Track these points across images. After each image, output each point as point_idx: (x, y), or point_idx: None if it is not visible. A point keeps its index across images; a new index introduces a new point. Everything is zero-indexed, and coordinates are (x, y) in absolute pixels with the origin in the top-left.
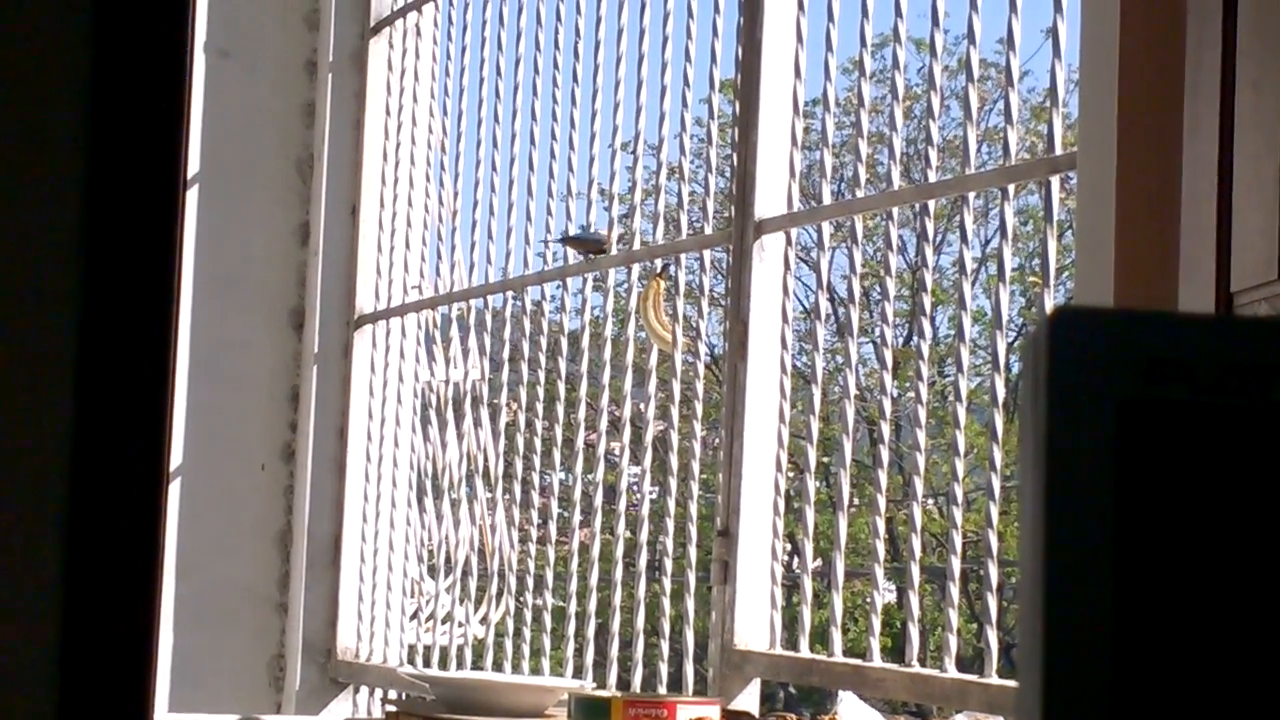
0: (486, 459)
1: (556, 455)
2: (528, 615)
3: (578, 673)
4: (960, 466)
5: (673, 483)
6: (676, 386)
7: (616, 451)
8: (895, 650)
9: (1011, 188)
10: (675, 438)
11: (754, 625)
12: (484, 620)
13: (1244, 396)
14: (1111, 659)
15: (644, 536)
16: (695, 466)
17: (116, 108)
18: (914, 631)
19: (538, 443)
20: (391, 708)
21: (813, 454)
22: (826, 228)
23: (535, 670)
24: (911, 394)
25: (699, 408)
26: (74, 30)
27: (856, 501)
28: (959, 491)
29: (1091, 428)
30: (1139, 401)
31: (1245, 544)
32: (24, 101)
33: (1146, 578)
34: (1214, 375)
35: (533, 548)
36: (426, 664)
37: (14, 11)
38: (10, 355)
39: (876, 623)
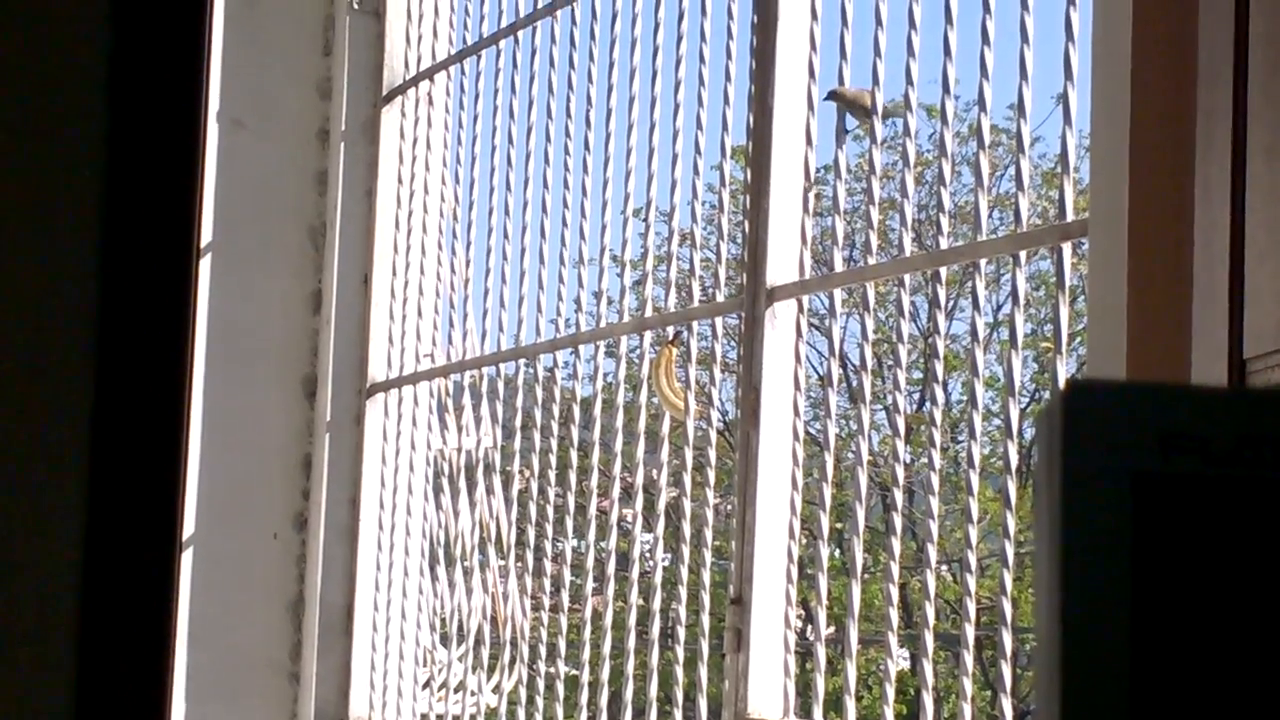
0: (499, 527)
1: (569, 523)
2: (540, 684)
3: None
4: (974, 533)
5: (685, 550)
6: (689, 453)
7: (629, 518)
8: (910, 718)
9: (1023, 254)
10: (688, 504)
11: (767, 693)
12: (496, 689)
13: (1258, 469)
14: None
15: (657, 604)
16: (708, 533)
17: (131, 177)
18: (928, 699)
19: (550, 510)
20: None
21: (826, 520)
22: (838, 294)
23: None
24: (925, 460)
25: (711, 474)
26: (89, 100)
27: (870, 568)
28: (973, 558)
29: (1107, 501)
30: (1154, 474)
31: (1262, 617)
32: (40, 173)
33: (1163, 649)
34: (1228, 448)
35: (545, 615)
36: None
37: (29, 84)
38: (25, 423)
39: (890, 690)
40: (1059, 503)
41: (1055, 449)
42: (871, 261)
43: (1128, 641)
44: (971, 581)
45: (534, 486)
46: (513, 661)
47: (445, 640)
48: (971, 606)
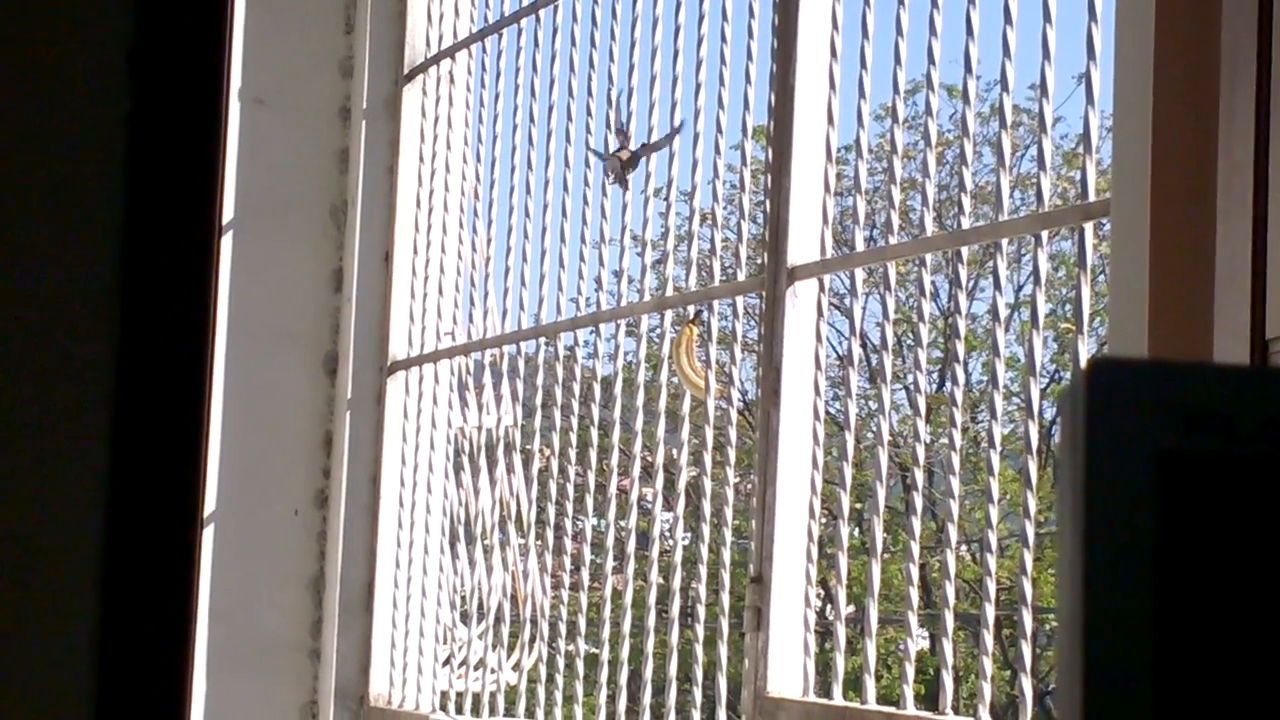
0: (519, 505)
1: (589, 501)
2: (560, 662)
3: (610, 719)
4: (994, 513)
5: (705, 529)
6: (709, 432)
7: (649, 497)
8: (929, 698)
9: (1045, 234)
10: (708, 484)
11: (787, 672)
12: (516, 667)
13: None
14: (1153, 710)
15: (676, 583)
16: (728, 512)
17: (152, 155)
18: (948, 679)
19: (570, 489)
20: None
21: (846, 500)
22: (859, 274)
23: (568, 717)
24: (945, 440)
25: (732, 454)
26: (110, 79)
27: (890, 548)
28: (993, 538)
29: (1130, 479)
30: (1178, 453)
31: None
32: (60, 152)
33: (1186, 628)
34: (1253, 427)
35: (565, 594)
36: (459, 711)
37: (51, 63)
38: (45, 401)
39: (910, 670)
40: (1082, 481)
41: (1078, 427)
42: (892, 241)
43: (1150, 620)
44: (991, 561)
45: (554, 465)
46: (533, 639)
47: (465, 618)
48: (991, 586)
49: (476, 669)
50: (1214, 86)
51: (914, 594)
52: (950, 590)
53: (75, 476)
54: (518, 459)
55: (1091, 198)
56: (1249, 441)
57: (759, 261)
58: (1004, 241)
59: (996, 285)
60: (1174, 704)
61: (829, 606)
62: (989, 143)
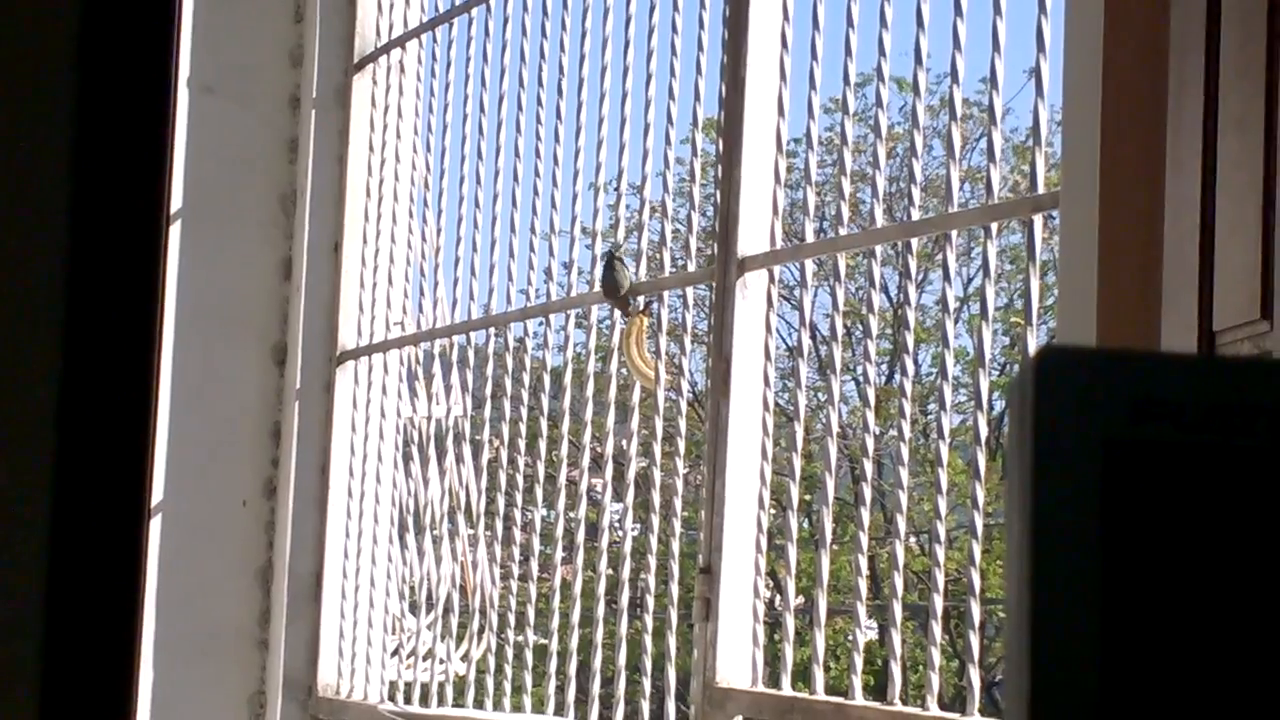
0: (468, 495)
1: (538, 492)
2: (509, 652)
3: (559, 710)
4: (943, 504)
5: (655, 519)
6: (659, 423)
7: (599, 488)
8: (877, 688)
9: (994, 226)
10: (657, 474)
11: (736, 663)
12: (465, 657)
13: (1229, 437)
14: (1098, 698)
15: (626, 573)
16: (677, 503)
17: (99, 143)
18: (896, 670)
19: (520, 479)
20: None
21: (795, 491)
22: (809, 265)
23: (516, 707)
24: (894, 432)
25: (681, 445)
26: (56, 65)
27: (839, 539)
28: (941, 529)
29: (1077, 468)
30: (1125, 442)
31: (1231, 584)
32: (6, 141)
33: (1133, 617)
34: (1199, 415)
35: (514, 584)
36: (407, 701)
37: None
38: None
39: (859, 660)
40: (1029, 468)
41: (1026, 414)
42: (842, 233)
43: (1097, 609)
44: (940, 552)
45: (503, 455)
46: (481, 630)
47: (414, 608)
48: (940, 578)
49: (425, 659)
50: (1163, 79)
51: (863, 585)
52: (899, 581)
53: (21, 465)
54: (467, 449)
55: (1041, 190)
56: (1196, 430)
57: (709, 252)
58: (954, 233)
59: (946, 277)
60: (1120, 695)
61: (778, 597)
62: (939, 135)
